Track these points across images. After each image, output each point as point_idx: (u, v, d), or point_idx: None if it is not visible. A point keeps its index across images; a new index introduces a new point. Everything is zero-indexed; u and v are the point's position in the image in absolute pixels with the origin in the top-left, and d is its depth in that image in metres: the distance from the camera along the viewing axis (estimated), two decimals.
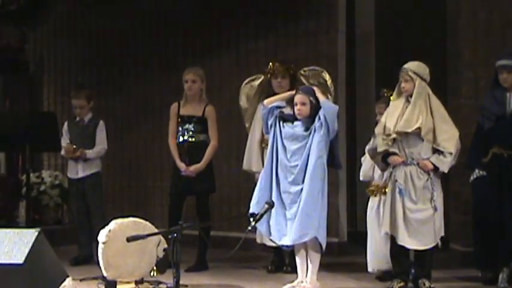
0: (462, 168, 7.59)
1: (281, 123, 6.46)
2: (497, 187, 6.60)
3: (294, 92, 6.58)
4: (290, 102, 6.55)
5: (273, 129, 6.48)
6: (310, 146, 6.31)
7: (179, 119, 7.50)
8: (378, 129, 6.48)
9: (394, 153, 6.37)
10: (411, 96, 6.38)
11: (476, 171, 6.65)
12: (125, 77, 9.79)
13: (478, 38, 7.69)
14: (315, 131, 6.31)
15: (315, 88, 6.51)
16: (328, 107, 6.33)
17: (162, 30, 9.50)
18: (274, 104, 6.50)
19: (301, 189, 6.29)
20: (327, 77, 7.24)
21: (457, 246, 7.72)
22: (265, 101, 6.60)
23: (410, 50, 8.02)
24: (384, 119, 6.47)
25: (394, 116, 6.40)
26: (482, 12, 7.71)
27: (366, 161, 6.97)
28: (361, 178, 7.13)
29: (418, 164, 6.31)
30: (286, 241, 6.33)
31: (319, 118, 6.29)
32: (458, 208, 7.62)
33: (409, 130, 6.31)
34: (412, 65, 6.40)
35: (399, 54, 7.97)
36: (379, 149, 6.43)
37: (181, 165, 7.42)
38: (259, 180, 6.54)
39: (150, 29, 9.62)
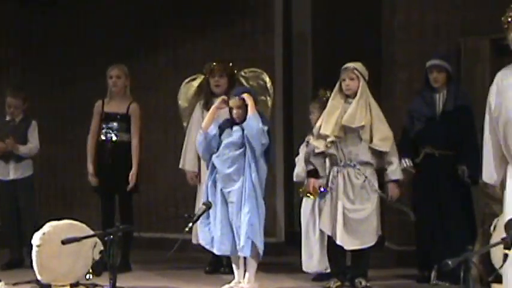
0: None
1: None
2: (431, 187, 6.69)
3: (221, 99, 6.53)
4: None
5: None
6: (248, 152, 6.28)
7: (103, 117, 7.42)
8: (315, 130, 6.49)
9: (316, 174, 6.41)
10: (352, 95, 6.43)
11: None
12: (61, 77, 9.62)
13: (413, 40, 7.79)
14: (248, 141, 6.28)
15: (245, 96, 6.40)
16: (251, 127, 6.22)
17: (99, 29, 9.36)
18: (214, 131, 6.39)
19: (241, 197, 6.26)
20: (267, 79, 7.24)
21: (393, 245, 7.79)
22: (203, 126, 6.45)
23: (346, 50, 8.06)
24: (322, 120, 6.48)
25: (333, 116, 6.42)
26: (416, 15, 7.81)
27: (299, 162, 7.00)
28: (294, 179, 7.16)
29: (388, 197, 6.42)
30: (240, 254, 6.33)
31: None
32: (393, 207, 7.69)
33: (353, 126, 6.34)
34: (356, 65, 6.47)
35: (336, 55, 8.02)
36: (317, 150, 6.45)
37: (90, 168, 7.35)
38: (204, 185, 6.54)
39: (90, 27, 9.47)
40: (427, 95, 6.77)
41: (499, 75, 4.72)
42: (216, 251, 6.43)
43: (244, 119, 6.30)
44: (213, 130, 6.36)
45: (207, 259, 7.38)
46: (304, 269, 6.92)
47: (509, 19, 4.65)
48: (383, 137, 6.39)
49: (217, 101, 6.59)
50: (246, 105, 6.31)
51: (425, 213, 6.72)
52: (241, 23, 8.60)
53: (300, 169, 6.99)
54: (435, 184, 6.68)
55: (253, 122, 6.22)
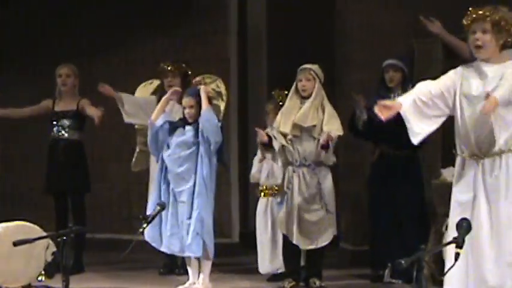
0: (352, 168, 7.73)
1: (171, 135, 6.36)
2: (386, 186, 6.74)
3: (173, 90, 6.50)
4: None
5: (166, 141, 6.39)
6: (200, 151, 6.27)
7: (54, 116, 7.36)
8: (274, 131, 6.49)
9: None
10: (308, 96, 6.45)
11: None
12: (12, 77, 9.49)
13: (367, 41, 7.83)
14: (202, 136, 6.27)
15: (201, 87, 6.41)
16: (207, 120, 6.22)
17: (51, 28, 9.26)
18: (161, 122, 6.36)
19: (192, 196, 6.24)
20: (222, 85, 7.21)
21: (347, 245, 7.83)
22: (152, 117, 6.39)
23: (302, 50, 8.09)
24: (279, 119, 6.49)
25: (290, 115, 6.44)
26: (371, 16, 7.86)
27: (255, 163, 7.01)
28: (250, 180, 7.18)
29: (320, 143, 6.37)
30: (187, 254, 6.31)
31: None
32: (348, 208, 7.74)
33: (305, 125, 6.37)
34: (313, 66, 6.51)
35: (291, 55, 8.04)
36: (276, 147, 6.46)
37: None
38: (153, 185, 6.49)
39: (41, 27, 9.36)
40: (382, 94, 6.82)
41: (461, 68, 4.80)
42: (163, 249, 6.38)
43: (196, 120, 6.28)
44: (160, 121, 6.32)
45: (162, 261, 7.34)
46: (260, 270, 6.92)
47: (469, 23, 4.69)
48: (333, 128, 6.42)
49: (168, 92, 6.56)
50: (199, 105, 6.29)
51: (380, 213, 6.76)
52: (196, 22, 8.57)
53: (254, 170, 7.00)
54: (390, 183, 6.73)
55: (210, 116, 6.22)
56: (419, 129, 4.73)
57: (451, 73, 4.77)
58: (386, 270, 6.63)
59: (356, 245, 7.69)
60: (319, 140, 6.39)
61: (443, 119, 4.75)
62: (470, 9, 4.74)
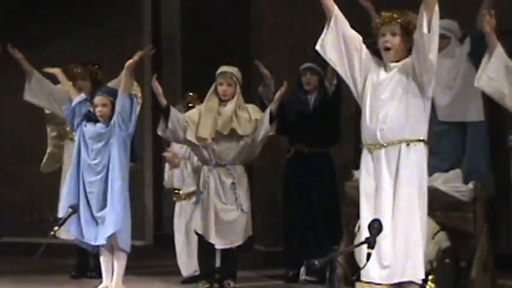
0: (266, 169, 7.77)
1: (85, 122, 6.32)
2: (300, 185, 6.79)
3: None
4: None
5: (79, 128, 6.33)
6: (112, 143, 6.21)
7: None
8: (189, 134, 6.45)
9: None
10: (228, 99, 6.46)
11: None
12: None
13: (280, 43, 7.88)
14: (115, 128, 6.20)
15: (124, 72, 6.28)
16: (123, 104, 6.15)
17: None
18: (78, 100, 6.32)
19: (106, 189, 6.18)
20: (137, 88, 7.11)
21: (261, 246, 7.86)
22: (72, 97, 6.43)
23: (216, 51, 8.08)
24: (196, 119, 6.46)
25: (209, 118, 6.43)
26: (284, 18, 7.91)
27: (166, 169, 6.97)
28: (166, 187, 7.12)
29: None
30: (100, 241, 6.21)
31: (115, 113, 6.19)
32: (262, 209, 7.76)
33: (226, 133, 6.39)
34: (234, 70, 6.52)
35: (205, 55, 8.02)
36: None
37: None
38: (66, 182, 6.38)
39: None
40: (300, 94, 6.88)
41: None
42: (79, 238, 6.29)
43: (108, 117, 6.21)
44: (78, 99, 6.33)
45: (73, 263, 7.22)
46: (182, 272, 6.89)
47: (379, 25, 4.79)
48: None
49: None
50: (113, 105, 6.22)
51: (295, 212, 6.81)
52: (110, 23, 8.48)
53: (166, 177, 6.97)
54: (305, 182, 6.79)
55: (127, 100, 6.16)
56: None
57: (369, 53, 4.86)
58: (302, 269, 6.68)
59: (270, 246, 7.72)
60: (241, 137, 6.38)
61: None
62: (382, 12, 4.83)
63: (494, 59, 5.27)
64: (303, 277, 6.71)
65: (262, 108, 6.58)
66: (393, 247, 4.67)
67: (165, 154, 6.80)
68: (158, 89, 6.30)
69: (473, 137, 6.20)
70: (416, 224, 4.69)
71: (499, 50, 5.24)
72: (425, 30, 4.59)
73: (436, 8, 4.61)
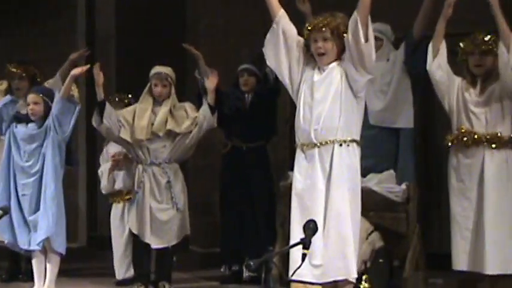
0: (202, 170, 7.76)
1: (15, 124, 6.22)
2: (239, 182, 6.81)
3: None
4: None
5: (8, 130, 6.24)
6: (46, 146, 6.13)
7: None
8: (123, 133, 6.40)
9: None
10: (163, 100, 6.44)
11: None
12: None
13: (216, 43, 7.88)
14: (50, 130, 6.13)
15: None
16: (61, 107, 6.10)
17: None
18: (3, 102, 6.23)
19: (40, 192, 6.10)
20: (74, 88, 7.03)
21: (196, 247, 7.85)
22: None
23: (151, 50, 8.03)
24: (132, 121, 6.42)
25: (143, 119, 6.39)
26: (220, 19, 7.91)
27: (105, 175, 6.89)
28: (103, 192, 7.02)
29: None
30: (33, 246, 6.13)
31: (51, 116, 6.12)
32: (197, 210, 7.75)
33: (161, 134, 6.37)
34: (168, 70, 6.50)
35: (140, 55, 7.97)
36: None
37: None
38: None
39: None
40: (237, 93, 6.91)
41: None
42: (11, 241, 6.22)
43: (40, 116, 6.12)
44: (4, 101, 6.26)
45: (4, 266, 7.10)
46: (116, 276, 6.84)
47: (310, 31, 4.84)
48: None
49: None
50: (45, 103, 6.13)
51: (234, 209, 6.83)
52: (43, 22, 8.37)
53: (105, 182, 6.89)
54: (243, 179, 6.81)
55: (66, 104, 6.08)
56: None
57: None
58: (244, 268, 6.69)
59: (206, 247, 7.71)
60: (177, 135, 6.38)
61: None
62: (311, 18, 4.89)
63: (443, 50, 5.40)
64: (247, 274, 6.73)
65: (200, 103, 6.57)
66: (325, 247, 4.71)
67: (113, 156, 6.71)
68: (100, 79, 6.25)
69: (406, 139, 6.30)
70: (348, 223, 4.74)
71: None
72: (362, 40, 4.66)
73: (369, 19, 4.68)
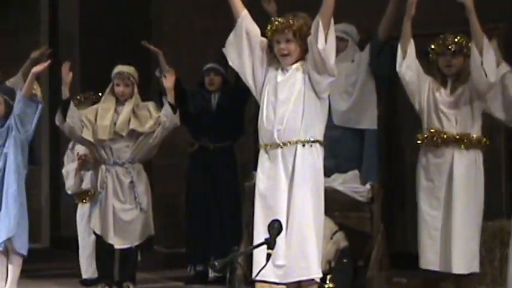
0: (167, 170, 7.74)
1: None
2: (204, 180, 6.79)
3: None
4: None
5: None
6: (8, 146, 6.07)
7: None
8: (85, 133, 6.35)
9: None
10: (125, 99, 6.41)
11: None
12: None
13: (181, 43, 7.86)
14: (12, 130, 6.06)
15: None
16: (21, 104, 6.01)
17: None
18: None
19: (1, 193, 6.04)
20: (37, 87, 6.96)
21: (161, 247, 7.82)
22: None
23: (116, 49, 7.99)
24: (94, 121, 6.38)
25: (106, 119, 6.36)
26: (185, 18, 7.89)
27: (71, 175, 6.83)
28: (69, 192, 6.96)
29: None
30: None
31: (13, 115, 6.05)
32: (162, 209, 7.73)
33: (124, 134, 6.35)
34: (130, 70, 6.46)
35: (104, 54, 7.93)
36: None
37: None
38: None
39: None
40: (204, 92, 6.90)
41: None
42: None
43: (2, 118, 6.06)
44: None
45: None
46: (83, 275, 6.80)
47: (273, 32, 4.84)
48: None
49: None
50: (7, 103, 6.06)
51: (201, 209, 6.81)
52: (5, 21, 8.28)
53: (71, 182, 6.83)
54: (210, 179, 6.80)
55: (28, 103, 6.00)
56: None
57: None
58: (210, 268, 6.68)
59: (170, 247, 7.69)
60: (140, 134, 6.36)
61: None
62: (272, 19, 4.89)
63: (412, 50, 5.44)
64: (212, 274, 6.72)
65: (162, 102, 6.55)
66: (288, 247, 4.71)
67: (81, 157, 6.65)
68: (69, 78, 6.22)
69: (370, 140, 6.33)
70: (310, 224, 4.74)
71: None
72: (323, 43, 4.66)
73: (332, 21, 4.69)
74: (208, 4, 7.92)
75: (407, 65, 5.46)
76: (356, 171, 6.18)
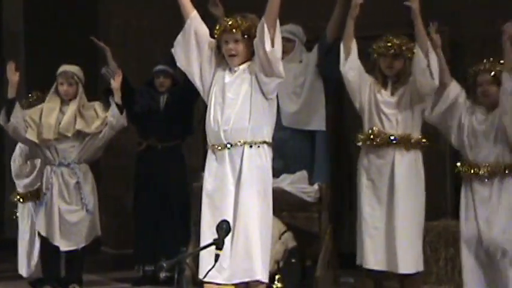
0: (114, 170, 7.69)
1: None
2: (152, 179, 6.76)
3: None
4: None
5: None
6: None
7: None
8: (30, 133, 6.28)
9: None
10: (70, 99, 6.36)
11: None
12: None
13: (129, 44, 7.82)
14: None
15: None
16: None
17: None
18: None
19: None
20: None
21: (108, 248, 7.77)
22: None
23: (62, 50, 7.91)
24: (39, 121, 6.31)
25: (51, 118, 6.30)
26: (133, 19, 7.85)
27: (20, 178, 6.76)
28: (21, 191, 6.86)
29: None
30: None
31: None
32: (109, 210, 7.68)
33: (70, 134, 6.30)
34: (75, 69, 6.41)
35: (50, 55, 7.84)
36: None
37: None
38: None
39: None
40: (152, 91, 6.87)
41: None
42: None
43: None
44: None
45: None
46: (23, 274, 6.70)
47: (221, 33, 4.84)
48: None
49: None
50: None
51: (149, 210, 6.77)
52: None
53: (27, 181, 6.74)
54: (159, 179, 6.76)
55: None
56: None
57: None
58: (157, 269, 6.66)
59: (118, 248, 7.64)
60: (87, 135, 6.31)
61: None
62: (221, 19, 4.90)
63: (354, 49, 5.49)
64: (163, 275, 6.69)
65: (107, 101, 6.51)
66: (233, 248, 4.70)
67: None
68: (15, 78, 6.16)
69: (319, 140, 6.38)
70: (256, 225, 4.73)
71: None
72: (269, 45, 4.66)
73: (277, 22, 4.70)
74: (156, 4, 7.89)
75: (350, 64, 5.53)
76: (304, 172, 6.21)
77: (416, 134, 5.54)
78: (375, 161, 5.57)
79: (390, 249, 5.46)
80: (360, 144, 5.62)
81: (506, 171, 5.22)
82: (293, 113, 6.29)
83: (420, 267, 5.55)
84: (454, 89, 5.37)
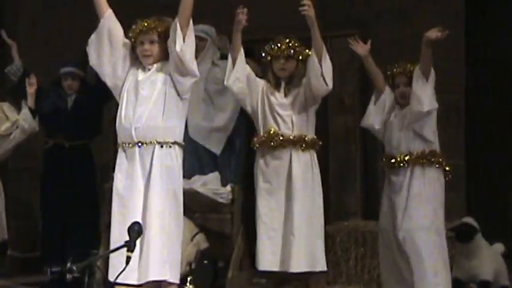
0: (22, 173, 7.54)
1: None
2: (60, 179, 6.67)
3: None
4: None
5: None
6: None
7: None
8: None
9: None
10: None
11: None
12: None
13: (37, 45, 7.71)
14: None
15: None
16: None
17: None
18: None
19: None
20: None
21: (16, 252, 7.63)
22: None
23: None
24: None
25: None
26: (42, 21, 7.76)
27: None
28: None
29: None
30: None
31: None
32: (16, 213, 7.53)
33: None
34: None
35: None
36: None
37: None
38: None
39: None
40: (59, 90, 6.78)
41: None
42: None
43: None
44: None
45: None
46: None
47: (137, 33, 4.83)
48: None
49: None
50: None
51: (56, 210, 6.65)
52: None
53: None
54: (67, 178, 6.66)
55: None
56: None
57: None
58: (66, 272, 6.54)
59: (26, 251, 7.51)
60: None
61: None
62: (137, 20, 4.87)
63: (240, 61, 5.51)
64: (70, 276, 6.57)
65: (14, 97, 6.42)
66: (143, 248, 4.67)
67: None
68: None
69: (231, 142, 6.39)
70: (165, 226, 4.70)
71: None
72: (178, 47, 4.66)
73: (191, 22, 4.71)
74: (67, 3, 7.79)
75: (236, 77, 5.56)
76: (217, 173, 6.21)
77: (310, 135, 5.62)
78: (272, 162, 5.61)
79: (286, 249, 5.50)
80: (256, 147, 5.66)
81: (417, 160, 5.38)
82: (194, 125, 6.26)
83: (322, 267, 5.58)
84: (389, 96, 5.57)
